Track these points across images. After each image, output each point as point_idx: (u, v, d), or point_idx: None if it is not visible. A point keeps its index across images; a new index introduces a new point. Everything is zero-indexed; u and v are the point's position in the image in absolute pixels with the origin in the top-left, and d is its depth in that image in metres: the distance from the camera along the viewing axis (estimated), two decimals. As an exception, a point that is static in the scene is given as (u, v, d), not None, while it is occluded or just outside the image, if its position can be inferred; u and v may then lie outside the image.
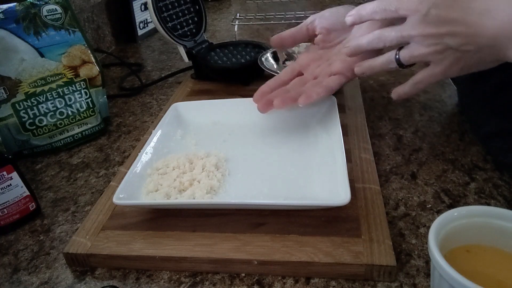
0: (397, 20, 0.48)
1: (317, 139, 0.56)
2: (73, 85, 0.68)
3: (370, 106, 0.71)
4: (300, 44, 0.81)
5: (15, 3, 0.64)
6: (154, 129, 0.60)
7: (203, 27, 0.86)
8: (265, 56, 0.78)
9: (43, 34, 0.66)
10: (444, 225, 0.34)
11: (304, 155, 0.55)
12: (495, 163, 0.54)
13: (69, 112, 0.68)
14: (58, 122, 0.67)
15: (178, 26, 0.82)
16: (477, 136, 0.60)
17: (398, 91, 0.52)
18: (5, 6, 0.63)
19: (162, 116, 0.63)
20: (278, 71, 0.75)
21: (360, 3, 0.77)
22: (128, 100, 0.84)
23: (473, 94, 0.61)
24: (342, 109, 0.65)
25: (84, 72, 0.69)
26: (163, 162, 0.54)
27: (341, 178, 0.45)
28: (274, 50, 0.80)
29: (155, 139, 0.58)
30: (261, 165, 0.54)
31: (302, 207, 0.46)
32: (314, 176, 0.50)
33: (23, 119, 0.64)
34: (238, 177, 0.53)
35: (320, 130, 0.58)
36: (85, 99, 0.69)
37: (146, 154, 0.55)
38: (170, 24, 0.80)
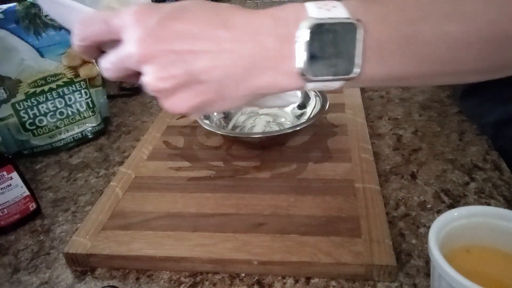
0: None
1: None
2: (73, 85, 0.68)
3: (369, 105, 0.71)
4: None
5: (15, 3, 0.64)
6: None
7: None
8: None
9: (43, 34, 0.66)
10: (444, 225, 0.34)
11: None
12: (502, 152, 0.54)
13: (69, 112, 0.68)
14: (58, 122, 0.67)
15: (178, 26, 0.82)
16: (482, 127, 0.59)
17: None
18: (5, 6, 0.63)
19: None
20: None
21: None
22: (128, 100, 0.84)
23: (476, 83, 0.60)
24: (341, 108, 0.65)
25: (84, 72, 0.69)
26: None
27: None
28: None
29: None
30: None
31: None
32: None
33: (23, 119, 0.64)
34: None
35: None
36: (85, 99, 0.69)
37: None
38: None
